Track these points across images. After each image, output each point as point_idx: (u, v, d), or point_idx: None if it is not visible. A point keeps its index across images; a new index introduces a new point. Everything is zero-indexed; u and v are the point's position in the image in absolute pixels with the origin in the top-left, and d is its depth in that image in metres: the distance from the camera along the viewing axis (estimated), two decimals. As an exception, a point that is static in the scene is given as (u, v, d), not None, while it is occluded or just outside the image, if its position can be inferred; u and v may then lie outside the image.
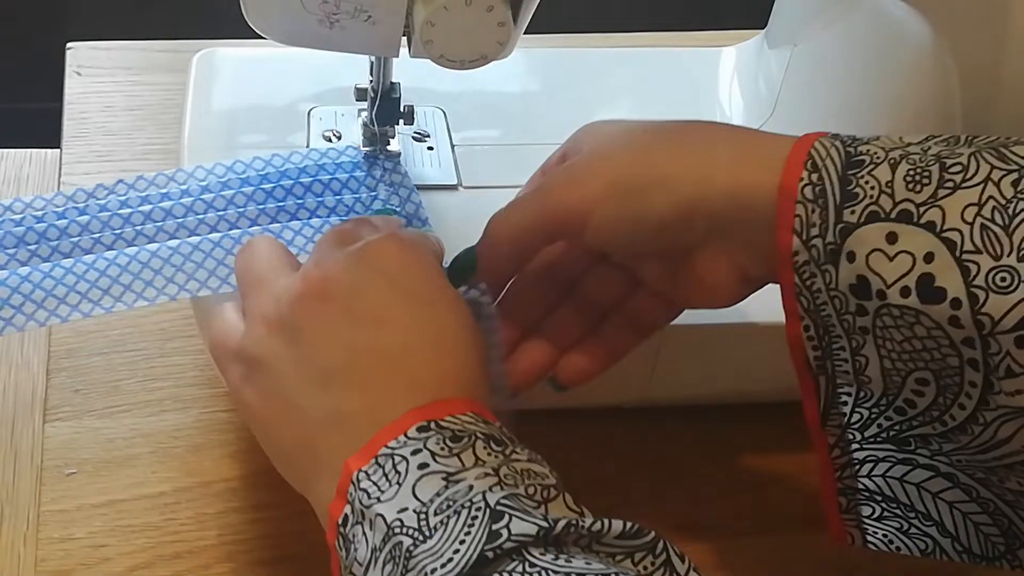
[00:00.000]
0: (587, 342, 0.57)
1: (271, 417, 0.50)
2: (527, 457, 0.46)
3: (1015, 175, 0.46)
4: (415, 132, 0.68)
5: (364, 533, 0.44)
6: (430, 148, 0.68)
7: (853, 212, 0.48)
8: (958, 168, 0.47)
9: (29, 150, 0.78)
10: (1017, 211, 0.46)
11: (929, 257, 0.46)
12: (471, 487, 0.43)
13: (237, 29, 0.60)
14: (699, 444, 0.67)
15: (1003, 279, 0.45)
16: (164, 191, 0.61)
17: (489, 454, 0.45)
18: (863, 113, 0.63)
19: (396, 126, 0.65)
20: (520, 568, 0.41)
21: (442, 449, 0.45)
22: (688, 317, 0.61)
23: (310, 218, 0.61)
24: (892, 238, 0.47)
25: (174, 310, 0.67)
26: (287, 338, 0.49)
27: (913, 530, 0.54)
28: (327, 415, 0.48)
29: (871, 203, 0.48)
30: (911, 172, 0.48)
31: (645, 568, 0.43)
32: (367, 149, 0.65)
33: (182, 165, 0.65)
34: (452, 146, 0.68)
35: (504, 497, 0.43)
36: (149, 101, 0.81)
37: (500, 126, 0.71)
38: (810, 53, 0.67)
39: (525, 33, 0.56)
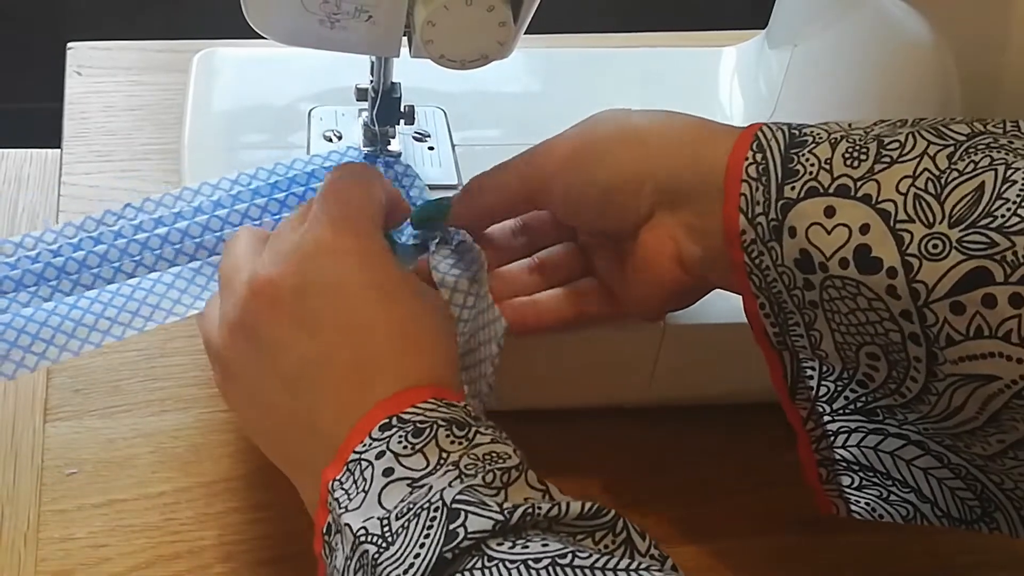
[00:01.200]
0: (521, 302, 0.57)
1: (251, 419, 0.51)
2: (490, 438, 0.46)
3: (950, 149, 0.47)
4: (416, 132, 0.68)
5: (340, 542, 0.45)
6: (431, 148, 0.68)
7: (793, 188, 0.49)
8: (895, 145, 0.48)
9: (29, 150, 0.78)
10: (949, 180, 0.46)
11: (865, 228, 0.47)
12: (431, 487, 0.44)
13: (237, 29, 0.60)
14: (699, 444, 0.67)
15: (935, 246, 0.46)
16: (176, 211, 0.61)
17: (452, 442, 0.45)
18: (863, 113, 0.63)
19: (397, 126, 0.65)
20: (479, 563, 0.41)
21: (405, 448, 0.45)
22: (688, 317, 0.61)
23: None
24: (830, 212, 0.48)
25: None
26: (246, 342, 0.50)
27: (893, 497, 0.55)
28: (296, 420, 0.49)
29: (810, 179, 0.48)
30: (850, 149, 0.48)
31: (606, 546, 0.43)
32: (368, 149, 0.65)
33: (183, 165, 0.65)
34: (453, 146, 0.68)
35: (460, 492, 0.43)
36: (149, 101, 0.81)
37: (500, 126, 0.71)
38: (810, 53, 0.67)
39: (526, 33, 0.56)
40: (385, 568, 0.42)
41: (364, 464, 0.45)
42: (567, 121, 0.67)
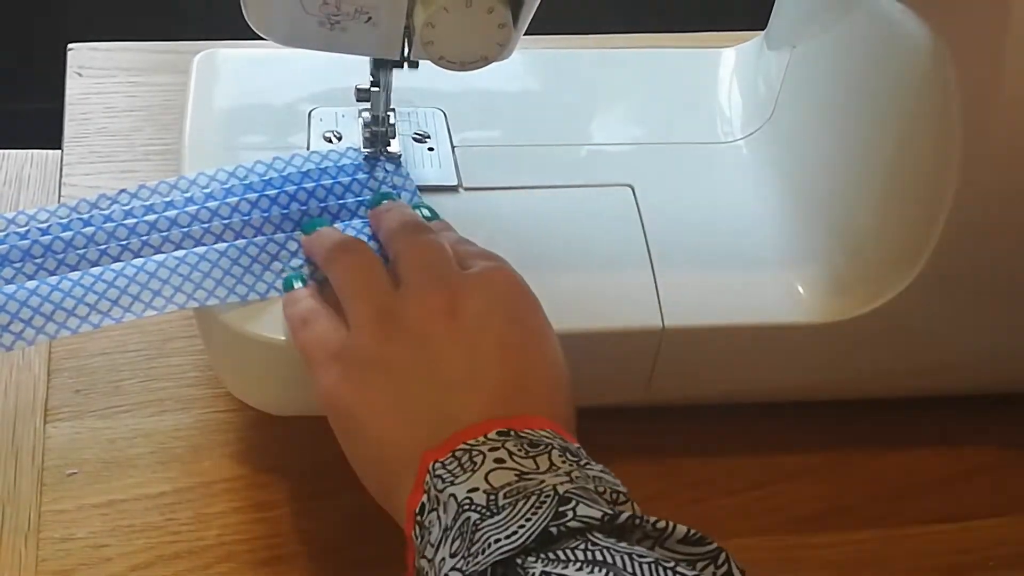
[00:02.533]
0: None
1: (372, 417, 0.51)
2: (600, 469, 0.48)
3: None
4: (415, 133, 0.68)
5: (439, 517, 0.46)
6: (430, 149, 0.68)
7: None
8: None
9: (30, 151, 0.78)
10: None
11: None
12: (542, 481, 0.45)
13: (238, 30, 0.60)
14: (699, 444, 0.67)
15: None
16: (168, 199, 0.61)
17: (564, 462, 0.47)
18: (861, 114, 0.63)
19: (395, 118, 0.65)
20: (583, 546, 0.42)
21: (519, 450, 0.47)
22: (688, 317, 0.61)
23: None
24: None
25: (175, 311, 0.67)
26: (412, 344, 0.52)
27: None
28: (436, 422, 0.50)
29: None
30: None
31: None
32: (367, 150, 0.65)
33: (183, 166, 0.65)
34: (452, 147, 0.68)
35: (573, 488, 0.45)
36: (150, 102, 0.81)
37: (500, 127, 0.71)
38: (809, 54, 0.67)
39: (525, 34, 0.56)
40: (486, 532, 0.43)
41: (475, 453, 0.47)
42: (567, 122, 0.67)
